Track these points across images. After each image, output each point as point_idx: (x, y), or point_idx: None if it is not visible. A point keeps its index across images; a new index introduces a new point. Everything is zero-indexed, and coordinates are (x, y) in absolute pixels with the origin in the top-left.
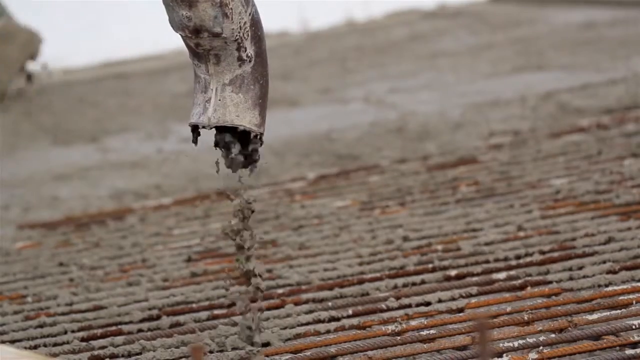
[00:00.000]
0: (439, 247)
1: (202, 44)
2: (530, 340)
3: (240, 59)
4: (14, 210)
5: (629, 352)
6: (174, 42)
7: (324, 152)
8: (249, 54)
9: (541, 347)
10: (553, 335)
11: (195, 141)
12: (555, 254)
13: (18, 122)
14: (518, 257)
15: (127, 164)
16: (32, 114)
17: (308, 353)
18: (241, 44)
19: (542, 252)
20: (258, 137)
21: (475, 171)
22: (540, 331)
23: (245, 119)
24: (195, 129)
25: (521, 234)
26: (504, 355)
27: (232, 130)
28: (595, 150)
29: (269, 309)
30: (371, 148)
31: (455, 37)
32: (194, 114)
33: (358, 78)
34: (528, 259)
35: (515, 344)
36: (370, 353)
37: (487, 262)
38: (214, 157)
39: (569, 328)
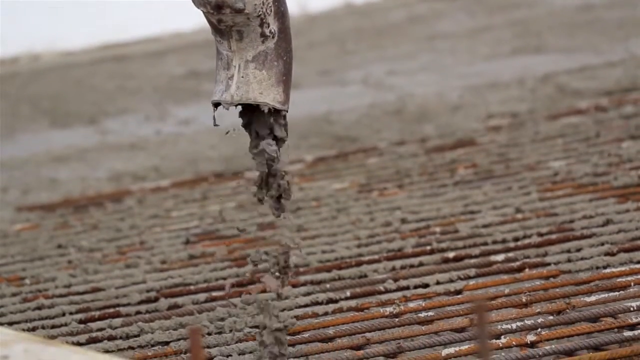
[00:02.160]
0: (437, 229)
1: (224, 20)
2: (529, 322)
3: (263, 35)
4: (13, 192)
5: (627, 333)
6: (173, 24)
7: (322, 134)
8: (272, 30)
9: (539, 329)
10: (551, 317)
11: (215, 121)
12: (554, 236)
13: (16, 104)
14: (516, 239)
15: (126, 146)
16: (31, 95)
17: (306, 335)
18: (264, 20)
19: (540, 234)
20: (282, 114)
21: (474, 153)
22: (539, 313)
23: (269, 96)
24: (217, 107)
25: (519, 216)
26: (502, 337)
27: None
28: (594, 132)
29: (265, 291)
30: (369, 130)
31: (454, 19)
32: (217, 91)
33: (357, 60)
34: (526, 241)
35: (514, 325)
36: (368, 335)
37: (485, 244)
38: (212, 138)
39: (567, 310)
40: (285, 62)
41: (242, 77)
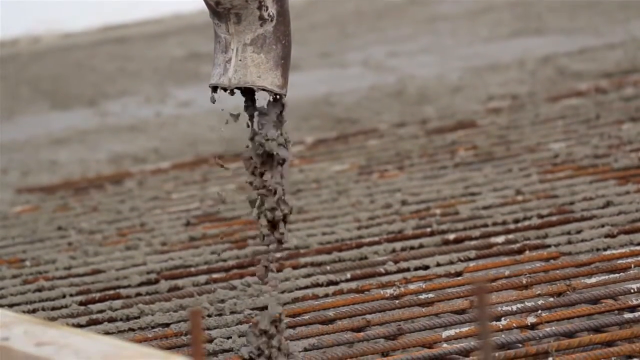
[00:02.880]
0: (438, 211)
1: (222, 2)
2: (529, 304)
3: (261, 18)
4: (13, 174)
5: (628, 315)
6: (173, 6)
7: (322, 116)
8: (271, 13)
9: (539, 311)
10: (551, 299)
11: (213, 100)
12: (554, 218)
13: (16, 86)
14: (516, 221)
15: (126, 127)
16: (31, 77)
17: (306, 317)
18: (263, 3)
19: (540, 216)
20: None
21: (474, 135)
22: (539, 295)
23: (267, 80)
24: (215, 90)
25: (519, 198)
26: (502, 319)
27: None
28: (594, 114)
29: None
30: (370, 112)
31: (454, 1)
32: (214, 74)
33: (357, 42)
34: (526, 223)
35: (514, 307)
36: (368, 317)
37: (486, 226)
38: (212, 120)
39: (568, 292)
40: (284, 46)
41: (240, 60)
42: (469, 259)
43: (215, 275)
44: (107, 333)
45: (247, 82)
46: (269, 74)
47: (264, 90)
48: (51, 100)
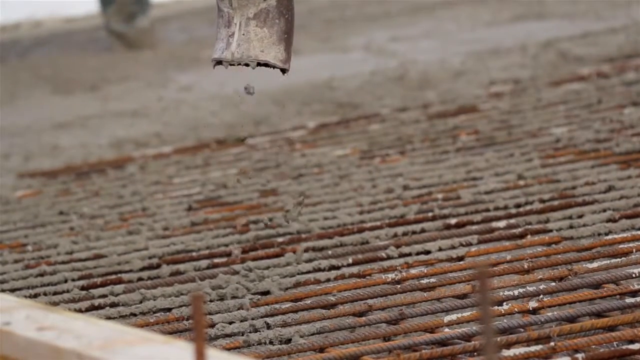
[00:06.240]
0: (439, 195)
1: None
2: (530, 288)
3: None
4: (15, 159)
5: (629, 300)
6: None
7: (324, 100)
8: None
9: (541, 296)
10: (553, 284)
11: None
12: (556, 203)
13: (18, 71)
14: (518, 206)
15: (128, 112)
16: (32, 62)
17: (308, 301)
18: None
19: (542, 201)
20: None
21: (476, 120)
22: (540, 279)
23: (270, 54)
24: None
25: (521, 182)
26: (504, 303)
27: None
28: (596, 98)
29: (268, 257)
30: (371, 96)
31: None
32: (217, 49)
33: (359, 26)
34: (528, 208)
35: (515, 292)
36: (370, 301)
37: (487, 210)
38: (214, 105)
39: (569, 276)
40: (287, 20)
41: (243, 34)
42: (471, 244)
43: (216, 260)
44: (108, 318)
45: (250, 56)
46: (272, 48)
47: (267, 64)
48: (53, 84)
